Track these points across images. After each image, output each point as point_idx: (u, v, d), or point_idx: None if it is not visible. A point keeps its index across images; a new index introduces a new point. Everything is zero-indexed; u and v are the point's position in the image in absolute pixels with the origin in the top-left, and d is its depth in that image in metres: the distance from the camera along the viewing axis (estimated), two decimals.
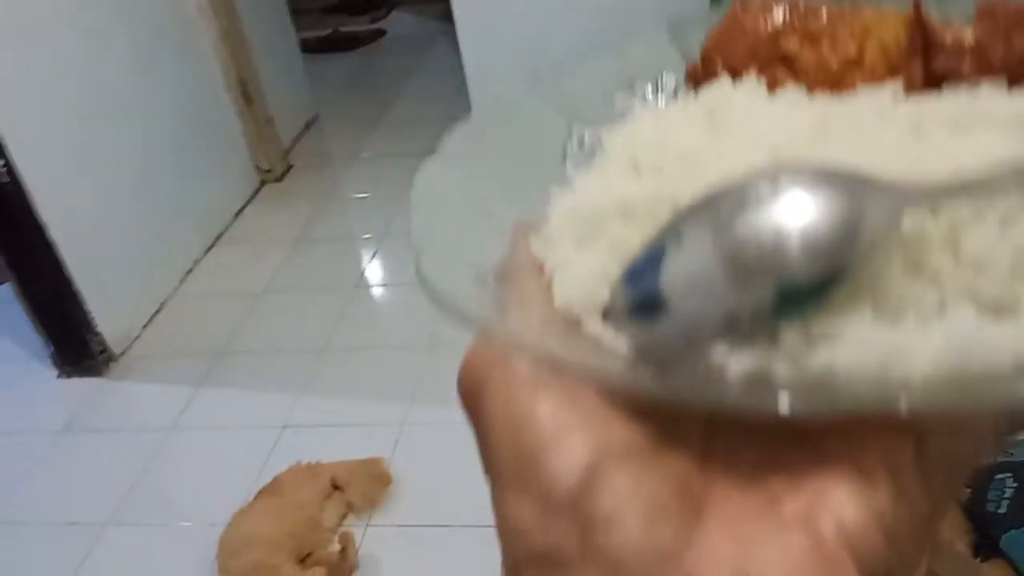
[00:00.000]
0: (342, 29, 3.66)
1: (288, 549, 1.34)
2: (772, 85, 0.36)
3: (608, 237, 0.30)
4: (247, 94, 2.46)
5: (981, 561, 0.90)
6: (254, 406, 1.72)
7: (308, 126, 2.86)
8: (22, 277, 1.75)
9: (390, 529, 1.44)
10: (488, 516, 0.21)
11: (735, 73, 0.40)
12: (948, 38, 0.36)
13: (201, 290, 2.12)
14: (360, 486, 1.47)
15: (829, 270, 0.23)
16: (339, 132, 2.84)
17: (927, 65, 0.36)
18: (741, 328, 0.23)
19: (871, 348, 0.22)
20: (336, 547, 1.38)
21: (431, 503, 1.43)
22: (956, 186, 0.25)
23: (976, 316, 0.23)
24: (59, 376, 1.87)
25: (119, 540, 1.50)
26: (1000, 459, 0.97)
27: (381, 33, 3.65)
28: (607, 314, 0.26)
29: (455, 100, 2.34)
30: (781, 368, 0.22)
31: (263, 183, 2.54)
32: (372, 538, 1.42)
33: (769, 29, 0.38)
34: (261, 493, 1.48)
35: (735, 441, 0.22)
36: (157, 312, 2.02)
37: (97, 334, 1.84)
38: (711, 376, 0.23)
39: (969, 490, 0.94)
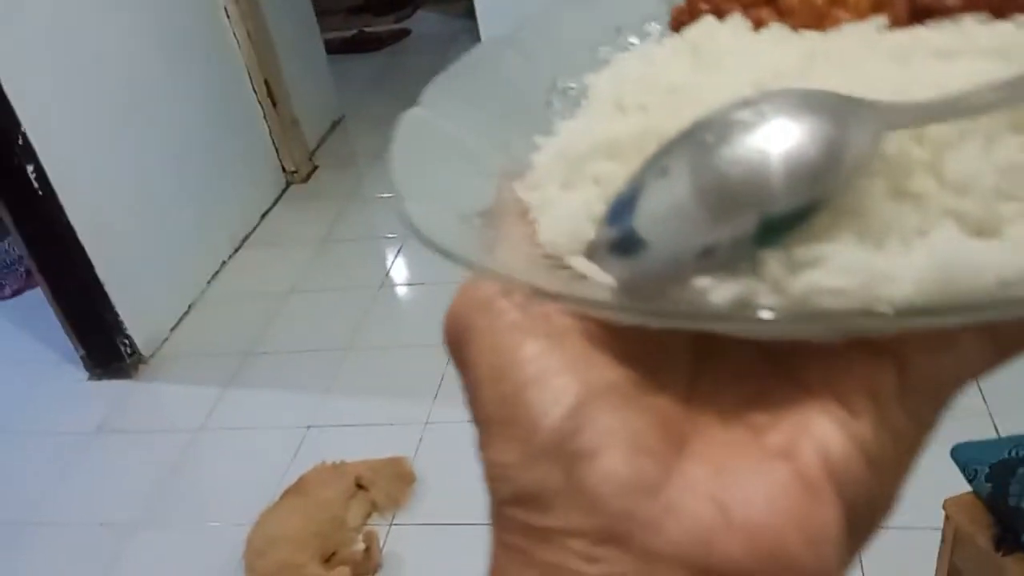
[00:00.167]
0: (367, 30, 3.67)
1: (313, 548, 1.35)
2: (757, 25, 0.36)
3: (592, 175, 0.29)
4: (273, 96, 2.48)
5: (1003, 555, 0.89)
6: (280, 406, 1.74)
7: (333, 127, 2.87)
8: (53, 281, 1.78)
9: (414, 528, 1.44)
10: None
11: (719, 14, 0.40)
12: None
13: (229, 291, 2.14)
14: (384, 485, 1.48)
15: (812, 197, 0.23)
16: (364, 132, 2.85)
17: (908, 4, 0.34)
18: (722, 259, 0.23)
19: (854, 271, 0.22)
20: (360, 546, 1.39)
21: (455, 501, 1.42)
22: (939, 105, 0.24)
23: (959, 235, 0.23)
24: (90, 378, 1.90)
25: (149, 540, 1.52)
26: (1021, 454, 0.96)
27: (406, 33, 3.66)
28: (591, 251, 0.26)
29: None
30: (764, 294, 0.22)
31: (289, 184, 2.56)
32: (396, 537, 1.43)
33: None
34: (287, 493, 1.49)
35: (720, 379, 0.22)
36: (185, 314, 2.05)
37: (127, 336, 1.87)
38: (696, 302, 0.22)
39: (990, 485, 0.93)
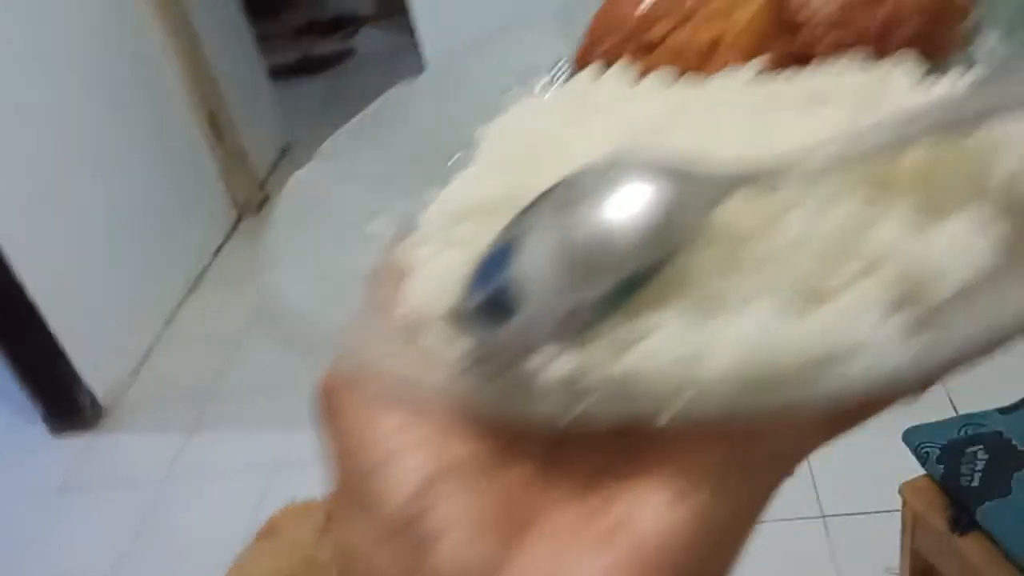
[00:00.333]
0: (312, 53, 3.65)
1: None
2: (647, 69, 0.37)
3: (460, 237, 0.30)
4: (217, 128, 2.46)
5: (959, 536, 0.90)
6: (246, 448, 1.72)
7: (283, 154, 2.85)
8: (6, 340, 1.76)
9: None
10: None
11: (614, 57, 0.40)
12: (808, 14, 0.36)
13: (186, 333, 2.11)
14: None
15: (654, 261, 0.23)
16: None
17: (789, 43, 0.36)
18: (580, 324, 0.23)
19: (673, 349, 0.22)
20: None
21: None
22: (774, 170, 0.24)
23: (771, 312, 0.23)
24: (51, 435, 1.87)
25: None
26: (970, 432, 0.97)
27: (350, 53, 3.65)
28: (453, 316, 0.26)
29: None
30: (595, 370, 0.22)
31: (240, 217, 2.54)
32: None
33: (640, 12, 0.38)
34: (258, 536, 1.48)
35: (576, 449, 0.22)
36: (144, 360, 2.02)
37: (86, 389, 1.84)
38: (527, 385, 0.22)
39: (942, 466, 0.94)
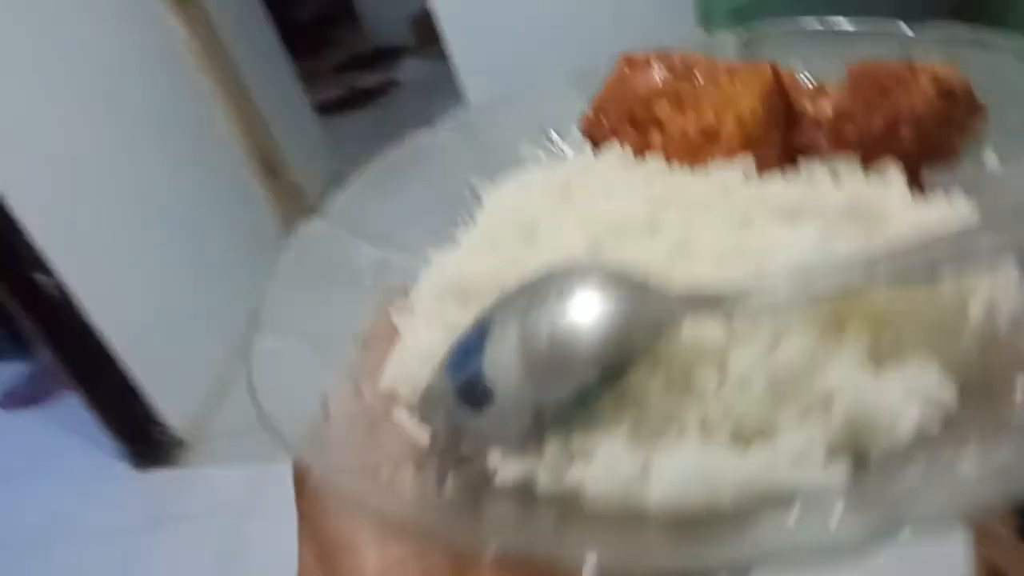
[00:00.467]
0: (355, 86, 3.74)
1: None
2: (644, 148, 0.37)
3: (445, 318, 0.31)
4: (270, 167, 2.54)
5: None
6: None
7: (334, 186, 2.92)
8: (85, 385, 1.83)
9: None
10: None
11: (617, 130, 0.40)
12: (809, 108, 0.35)
13: None
14: None
15: (609, 371, 0.24)
16: None
17: (787, 136, 0.35)
18: (542, 426, 0.23)
19: (616, 471, 0.22)
20: None
21: None
22: (733, 297, 0.24)
23: (713, 446, 0.22)
24: (135, 472, 1.94)
25: None
26: None
27: (393, 83, 3.72)
28: (423, 401, 0.27)
29: None
30: (543, 477, 0.23)
31: None
32: None
33: (645, 90, 0.39)
34: None
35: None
36: (218, 392, 2.09)
37: (163, 425, 1.91)
38: (478, 487, 0.23)
39: None
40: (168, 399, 1.92)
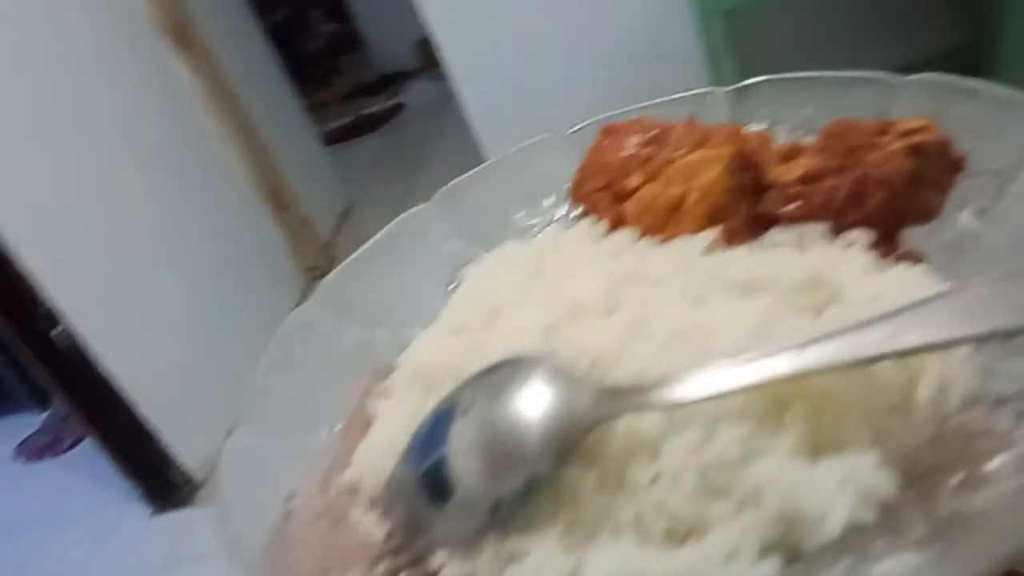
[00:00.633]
0: (363, 112, 3.76)
1: None
2: (619, 218, 0.38)
3: (411, 406, 0.31)
4: (280, 201, 2.56)
5: None
6: None
7: (345, 215, 2.94)
8: (100, 430, 1.85)
9: None
10: None
11: (597, 200, 0.41)
12: (777, 177, 0.35)
13: None
14: None
15: (554, 463, 0.24)
16: (374, 215, 2.91)
17: (754, 205, 0.36)
18: (502, 517, 0.23)
19: (548, 571, 0.23)
20: None
21: None
22: (670, 393, 0.24)
23: (643, 544, 0.22)
24: (152, 514, 1.96)
25: None
26: None
27: (400, 108, 3.75)
28: (385, 491, 0.27)
29: (476, 157, 2.39)
30: None
31: (312, 281, 2.62)
32: None
33: (621, 160, 0.40)
34: None
35: None
36: (232, 430, 2.10)
37: (179, 466, 1.92)
38: None
39: None
40: (184, 440, 1.94)
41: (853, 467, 0.22)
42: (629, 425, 0.25)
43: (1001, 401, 0.23)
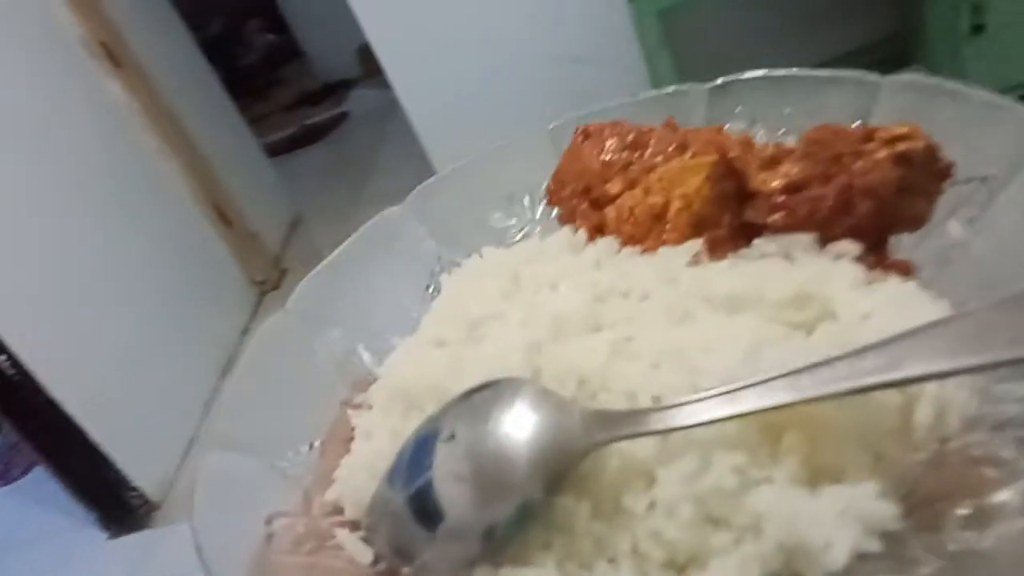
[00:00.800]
0: (307, 123, 3.74)
1: None
2: (599, 224, 0.37)
3: (390, 425, 0.31)
4: (225, 217, 2.54)
5: None
6: None
7: (294, 226, 2.93)
8: (51, 457, 1.82)
9: None
10: None
11: (574, 205, 0.40)
12: (760, 184, 0.34)
13: None
14: None
15: (544, 489, 0.23)
16: (323, 224, 2.90)
17: (738, 214, 0.35)
18: (494, 544, 0.23)
19: None
20: None
21: None
22: (664, 417, 0.24)
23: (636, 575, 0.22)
24: (109, 538, 1.93)
25: None
26: None
27: (344, 116, 3.73)
28: (368, 514, 0.27)
29: (423, 163, 2.39)
30: None
31: (262, 295, 2.61)
32: None
33: (599, 164, 0.39)
34: None
35: None
36: (188, 451, 2.08)
37: (134, 489, 1.90)
38: None
39: None
40: (139, 462, 1.92)
41: (854, 496, 0.22)
42: (622, 450, 0.24)
43: (1000, 425, 0.23)
